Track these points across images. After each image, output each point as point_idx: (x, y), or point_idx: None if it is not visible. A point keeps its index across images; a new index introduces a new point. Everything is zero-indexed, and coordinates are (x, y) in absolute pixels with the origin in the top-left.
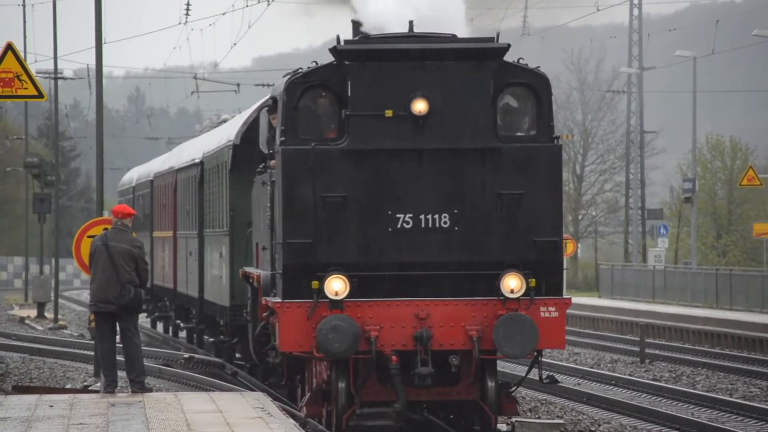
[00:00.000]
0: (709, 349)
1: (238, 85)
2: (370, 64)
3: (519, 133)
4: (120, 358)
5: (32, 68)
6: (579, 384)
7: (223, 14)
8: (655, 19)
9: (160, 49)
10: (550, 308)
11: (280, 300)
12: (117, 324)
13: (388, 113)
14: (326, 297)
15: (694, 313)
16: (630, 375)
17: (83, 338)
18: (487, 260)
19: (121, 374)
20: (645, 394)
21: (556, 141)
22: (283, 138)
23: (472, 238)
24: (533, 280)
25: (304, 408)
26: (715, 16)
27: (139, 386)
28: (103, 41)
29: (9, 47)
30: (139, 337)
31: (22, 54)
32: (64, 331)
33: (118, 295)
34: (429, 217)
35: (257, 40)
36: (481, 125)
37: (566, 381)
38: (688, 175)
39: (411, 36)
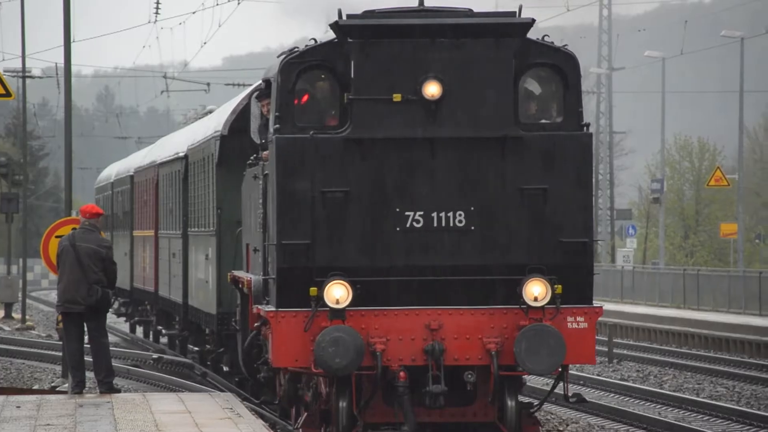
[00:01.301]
0: (676, 349)
1: (209, 84)
2: (375, 41)
3: (544, 120)
4: (88, 358)
5: (0, 68)
6: (547, 384)
7: (194, 13)
8: (624, 19)
9: (129, 48)
10: (579, 318)
11: (273, 309)
12: (85, 324)
13: (396, 97)
14: (326, 305)
15: (661, 313)
16: (598, 375)
17: (51, 339)
18: (507, 264)
19: (90, 375)
20: (613, 394)
21: (585, 129)
22: (277, 125)
23: (491, 239)
24: (559, 286)
25: (301, 429)
26: (684, 17)
27: (107, 387)
28: (71, 40)
29: None
30: (107, 338)
31: None
32: (32, 331)
33: (85, 295)
34: (442, 215)
35: (228, 39)
36: (502, 111)
37: (533, 380)
38: (656, 175)
39: (421, 10)
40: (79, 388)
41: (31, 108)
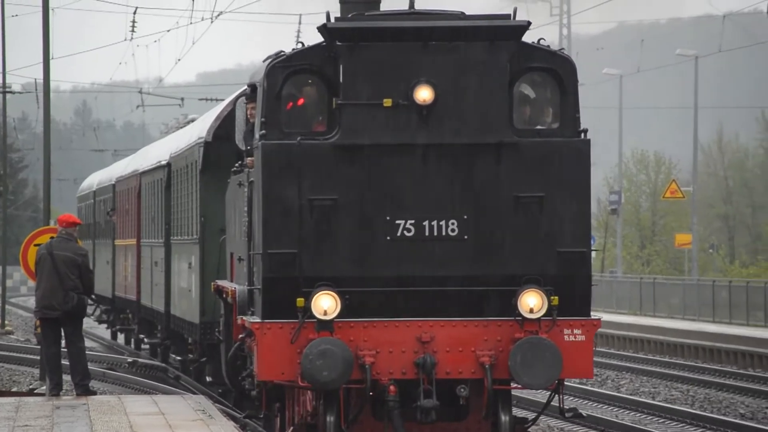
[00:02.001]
0: (633, 354)
1: (183, 99)
2: (365, 44)
3: (539, 126)
4: (65, 362)
5: None
6: (542, 395)
7: (168, 31)
8: (584, 39)
9: (106, 64)
10: (576, 331)
11: (259, 320)
12: (62, 329)
13: (387, 102)
14: (313, 317)
15: (619, 319)
16: None
17: (29, 343)
18: (501, 274)
19: (66, 378)
20: (571, 397)
21: (582, 135)
22: (263, 131)
23: (485, 249)
24: (555, 297)
25: None
26: (641, 37)
27: (83, 389)
28: (50, 56)
29: None
30: (84, 342)
31: None
32: (11, 336)
33: (62, 301)
34: (434, 223)
35: (201, 56)
36: (496, 117)
37: (528, 393)
38: (614, 187)
39: (412, 13)
40: (56, 390)
41: (11, 122)
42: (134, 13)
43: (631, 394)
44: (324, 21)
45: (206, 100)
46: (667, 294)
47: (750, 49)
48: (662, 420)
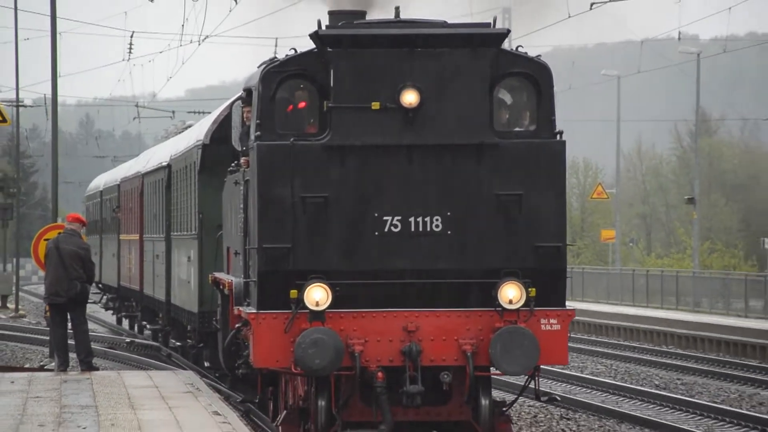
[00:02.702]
0: None
1: (173, 112)
2: (354, 51)
3: (518, 128)
4: (71, 342)
5: None
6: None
7: (161, 52)
8: None
9: (106, 81)
10: (552, 320)
11: (254, 310)
12: (68, 314)
13: (375, 105)
14: (306, 308)
15: None
16: None
17: (40, 325)
18: (482, 268)
19: (72, 355)
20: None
21: (558, 137)
22: (258, 133)
23: (467, 244)
24: (533, 289)
25: (280, 427)
26: (572, 59)
27: (87, 366)
28: (57, 75)
29: None
30: (87, 325)
31: None
32: (24, 319)
33: (67, 289)
34: (419, 220)
35: (189, 74)
36: (477, 119)
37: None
38: None
39: (399, 21)
40: (63, 366)
41: (24, 132)
42: (131, 36)
43: (561, 369)
44: (305, 34)
45: (194, 112)
46: (594, 282)
47: (664, 70)
48: (589, 390)
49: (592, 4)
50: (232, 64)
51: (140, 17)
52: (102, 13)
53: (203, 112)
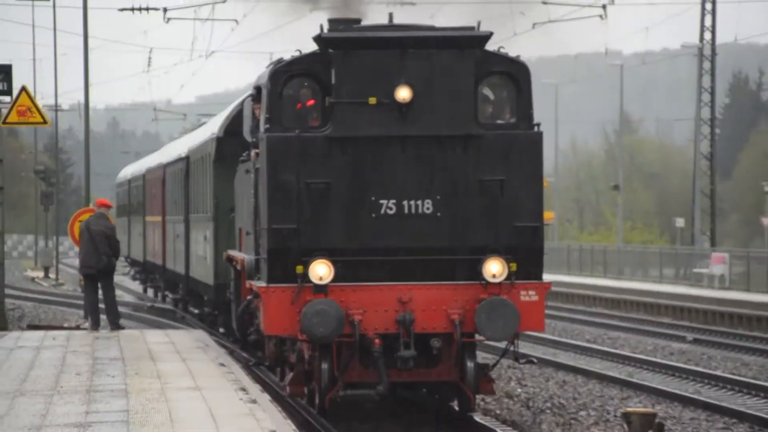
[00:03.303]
0: None
1: (185, 115)
2: (353, 52)
3: (500, 121)
4: (102, 306)
5: (39, 103)
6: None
7: (175, 65)
8: None
9: (129, 89)
10: (530, 292)
11: (264, 284)
12: (98, 282)
13: (372, 101)
14: (310, 281)
15: None
16: None
17: (76, 292)
18: (468, 245)
19: (103, 317)
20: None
21: (536, 128)
22: (267, 126)
23: (455, 224)
24: (514, 264)
25: (287, 386)
26: None
27: (114, 326)
28: (89, 84)
29: (23, 89)
30: (114, 292)
31: (32, 93)
32: (63, 287)
33: (96, 262)
34: (412, 203)
35: (199, 83)
36: (463, 113)
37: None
38: None
39: (392, 26)
40: (95, 326)
41: (61, 132)
42: (150, 52)
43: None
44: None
45: (203, 115)
46: None
47: (594, 79)
48: (532, 345)
49: (534, 24)
50: (233, 75)
51: (157, 35)
52: (125, 32)
53: (210, 114)
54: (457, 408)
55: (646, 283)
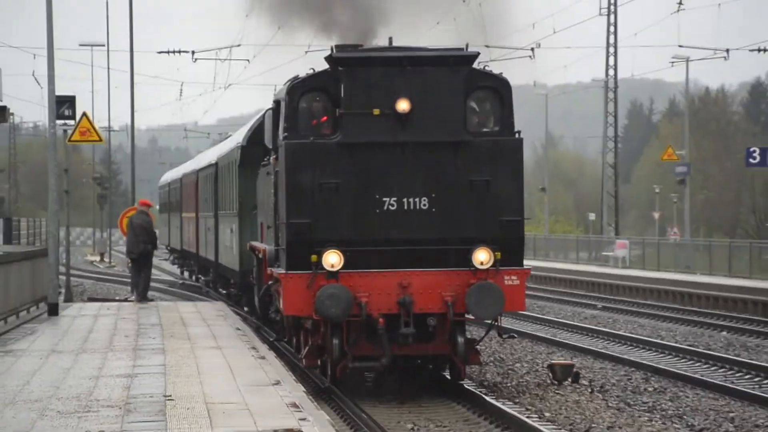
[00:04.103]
0: None
1: (209, 134)
2: (360, 69)
3: (485, 129)
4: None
5: (96, 125)
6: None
7: (200, 95)
8: None
9: (165, 114)
10: (513, 277)
11: (284, 271)
12: (141, 265)
13: (376, 112)
14: (323, 269)
15: None
16: None
17: (124, 272)
18: (460, 237)
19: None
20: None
21: (517, 135)
22: (286, 134)
23: (448, 218)
24: (499, 253)
25: (303, 359)
26: None
27: (143, 298)
28: (134, 109)
29: (84, 115)
30: (150, 272)
31: (91, 118)
32: (114, 268)
33: (136, 249)
34: (411, 200)
35: (220, 108)
36: (455, 122)
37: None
38: None
39: (392, 48)
40: (138, 298)
41: (113, 147)
42: (181, 85)
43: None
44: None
45: (221, 134)
46: None
47: (524, 106)
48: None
49: (479, 63)
50: (246, 102)
51: (187, 72)
52: (162, 70)
53: (226, 133)
54: (448, 377)
55: (566, 264)
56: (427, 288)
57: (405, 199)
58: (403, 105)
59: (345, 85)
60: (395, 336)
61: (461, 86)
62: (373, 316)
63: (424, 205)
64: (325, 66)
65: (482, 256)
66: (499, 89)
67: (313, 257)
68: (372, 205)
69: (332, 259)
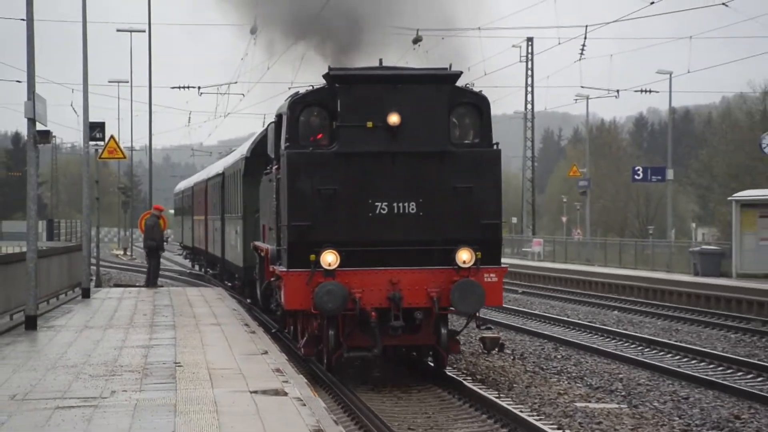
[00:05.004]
0: None
1: (211, 152)
2: (354, 86)
3: (467, 141)
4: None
5: (121, 145)
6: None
7: (205, 121)
8: None
9: (176, 136)
10: (492, 275)
11: (285, 269)
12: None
13: (369, 124)
14: (321, 267)
15: None
16: None
17: (143, 264)
18: (444, 238)
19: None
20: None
21: (495, 146)
22: (287, 144)
23: (434, 221)
24: (479, 253)
25: (302, 348)
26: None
27: (152, 284)
28: (152, 132)
29: (111, 137)
30: (158, 263)
31: (117, 139)
32: (135, 260)
33: (145, 245)
34: (400, 204)
35: (220, 132)
36: (440, 134)
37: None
38: None
39: (383, 67)
40: (151, 285)
41: (134, 163)
42: (190, 114)
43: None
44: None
45: (221, 153)
46: None
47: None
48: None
49: None
50: (241, 127)
51: (194, 103)
52: (174, 101)
53: (224, 152)
54: (432, 364)
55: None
56: (415, 285)
57: (395, 204)
58: (393, 118)
59: (341, 100)
60: (386, 328)
61: (445, 102)
62: (366, 310)
63: (413, 209)
64: (323, 83)
65: (464, 256)
66: (479, 105)
67: (312, 256)
68: (365, 209)
69: (329, 259)
